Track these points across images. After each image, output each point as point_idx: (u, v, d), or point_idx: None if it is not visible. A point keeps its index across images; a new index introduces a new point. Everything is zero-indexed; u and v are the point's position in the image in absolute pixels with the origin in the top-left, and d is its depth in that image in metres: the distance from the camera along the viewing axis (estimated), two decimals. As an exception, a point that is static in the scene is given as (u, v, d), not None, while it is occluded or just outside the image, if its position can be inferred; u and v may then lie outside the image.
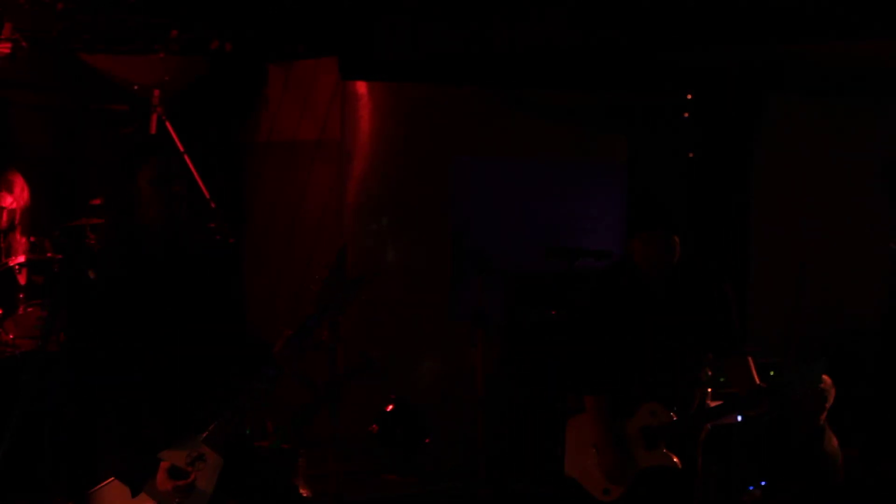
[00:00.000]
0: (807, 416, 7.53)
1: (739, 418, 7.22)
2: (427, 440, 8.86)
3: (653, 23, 8.33)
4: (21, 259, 8.01)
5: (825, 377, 7.40)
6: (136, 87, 9.42)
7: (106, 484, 4.90)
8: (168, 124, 9.19)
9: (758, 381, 6.00)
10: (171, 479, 4.82)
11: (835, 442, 7.67)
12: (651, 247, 5.95)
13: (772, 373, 8.97)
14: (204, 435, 4.87)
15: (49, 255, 8.08)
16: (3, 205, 8.25)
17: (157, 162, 4.95)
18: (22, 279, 8.00)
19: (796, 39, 8.04)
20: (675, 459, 5.97)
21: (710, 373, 6.45)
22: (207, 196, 8.91)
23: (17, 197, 8.28)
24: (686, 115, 10.24)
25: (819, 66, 9.56)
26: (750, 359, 6.09)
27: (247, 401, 4.86)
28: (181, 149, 9.11)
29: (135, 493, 4.84)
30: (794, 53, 8.95)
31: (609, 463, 5.99)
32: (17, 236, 8.29)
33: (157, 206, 4.91)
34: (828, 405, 7.42)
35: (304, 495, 7.76)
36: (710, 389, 6.59)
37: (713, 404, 6.92)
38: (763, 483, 8.14)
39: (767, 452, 7.99)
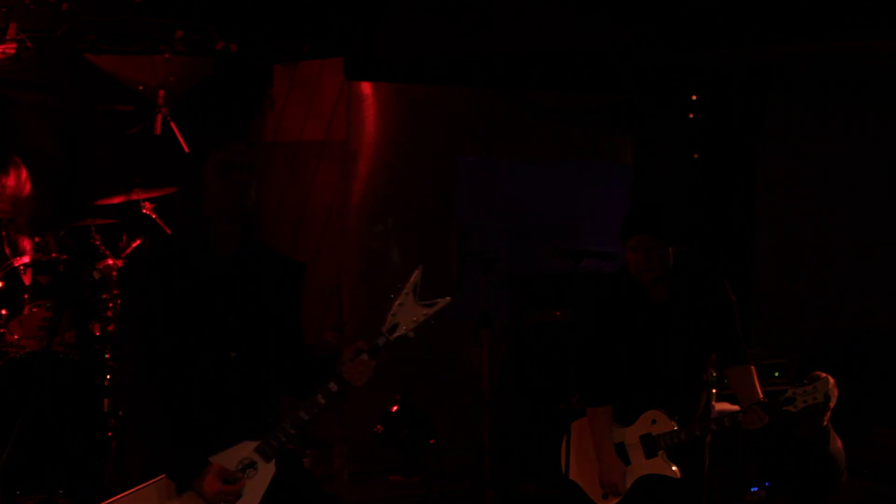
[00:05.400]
0: (811, 419, 7.54)
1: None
2: (432, 441, 8.87)
3: (657, 24, 8.33)
4: (26, 259, 8.01)
5: (829, 377, 7.41)
6: (141, 88, 9.42)
7: (133, 492, 4.82)
8: (173, 125, 9.19)
9: (760, 391, 5.98)
10: (221, 481, 4.75)
11: (839, 443, 7.67)
12: (638, 253, 5.92)
13: (776, 373, 8.98)
14: (257, 443, 4.82)
15: (54, 255, 8.07)
16: (5, 182, 8.24)
17: (228, 148, 4.85)
18: (27, 279, 8.00)
19: (801, 40, 8.03)
20: (674, 468, 5.97)
21: (713, 373, 6.44)
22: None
23: (16, 175, 8.28)
24: (691, 115, 10.24)
25: (823, 66, 9.56)
26: (752, 368, 6.06)
27: (306, 414, 4.81)
28: (186, 149, 9.13)
29: (180, 490, 4.76)
30: (799, 54, 8.95)
31: (607, 472, 5.99)
32: (21, 232, 8.29)
33: (219, 188, 4.81)
34: (832, 405, 7.42)
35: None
36: (714, 391, 6.57)
37: (717, 406, 6.92)
38: (767, 483, 8.15)
39: (772, 453, 7.99)
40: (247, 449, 4.81)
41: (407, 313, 4.80)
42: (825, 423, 7.62)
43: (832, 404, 7.37)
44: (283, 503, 4.91)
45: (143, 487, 4.81)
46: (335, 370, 4.80)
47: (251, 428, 4.84)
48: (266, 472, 4.83)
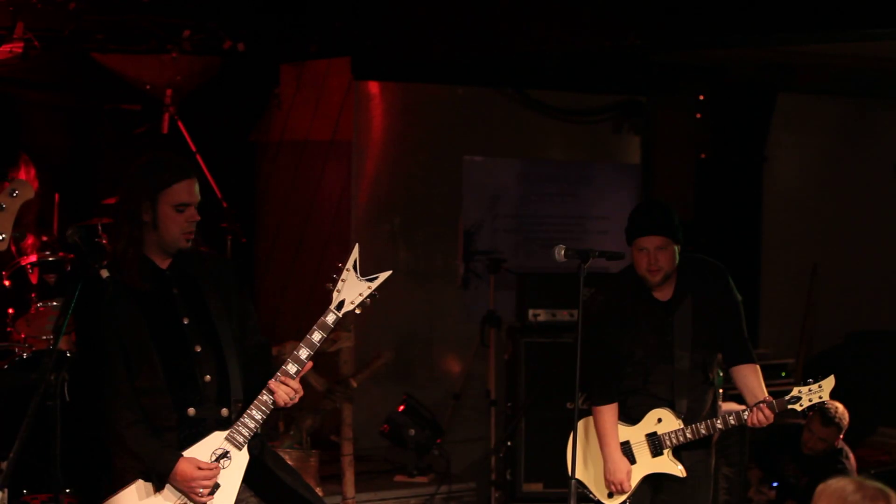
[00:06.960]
0: (823, 441, 7.64)
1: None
2: (438, 441, 8.86)
3: (664, 24, 8.33)
4: (33, 258, 8.02)
5: (838, 405, 7.48)
6: (148, 87, 9.42)
7: (121, 491, 4.87)
8: (180, 124, 9.19)
9: (765, 390, 5.97)
10: (195, 468, 4.83)
11: (852, 458, 7.74)
12: (645, 253, 5.91)
13: (783, 374, 8.99)
14: (227, 433, 4.89)
15: (61, 254, 8.08)
16: (14, 178, 8.24)
17: (182, 187, 4.98)
18: (34, 278, 8.01)
19: (809, 39, 8.03)
20: (679, 467, 5.96)
21: (719, 373, 6.43)
22: (219, 196, 8.92)
23: (25, 172, 8.29)
24: (698, 115, 10.24)
25: (831, 66, 9.55)
26: (758, 367, 6.05)
27: (270, 398, 4.88)
28: (193, 148, 9.14)
29: (159, 488, 4.84)
30: (807, 54, 8.95)
31: (612, 471, 5.99)
32: (28, 231, 8.29)
33: (177, 226, 4.98)
34: (842, 432, 7.55)
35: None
36: (720, 391, 6.56)
37: (724, 406, 6.91)
38: (775, 484, 8.16)
39: (778, 456, 8.02)
40: (217, 440, 4.90)
41: (351, 290, 4.90)
42: (839, 443, 7.70)
43: (843, 431, 7.52)
44: (261, 489, 4.99)
45: (118, 494, 4.87)
46: (291, 352, 4.93)
47: (221, 418, 4.94)
48: (240, 460, 4.91)
